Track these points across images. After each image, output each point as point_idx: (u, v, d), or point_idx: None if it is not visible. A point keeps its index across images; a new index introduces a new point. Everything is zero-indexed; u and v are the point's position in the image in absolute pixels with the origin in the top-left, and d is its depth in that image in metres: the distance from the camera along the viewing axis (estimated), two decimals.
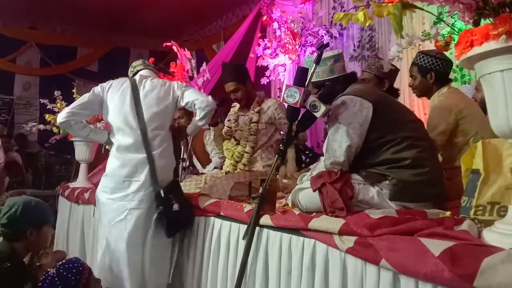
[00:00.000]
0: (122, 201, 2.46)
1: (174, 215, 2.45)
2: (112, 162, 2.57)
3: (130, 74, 2.82)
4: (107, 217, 2.51)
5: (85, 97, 2.65)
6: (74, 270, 2.03)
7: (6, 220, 2.06)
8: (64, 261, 2.11)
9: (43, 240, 2.17)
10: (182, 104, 2.63)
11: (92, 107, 2.66)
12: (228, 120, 3.08)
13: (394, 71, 2.94)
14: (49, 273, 2.00)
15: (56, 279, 1.98)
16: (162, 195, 2.45)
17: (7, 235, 2.08)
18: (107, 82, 2.71)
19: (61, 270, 2.02)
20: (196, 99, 2.58)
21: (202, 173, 3.57)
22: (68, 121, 2.58)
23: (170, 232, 2.50)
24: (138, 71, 2.78)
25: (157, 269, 2.49)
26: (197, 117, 2.64)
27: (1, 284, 1.89)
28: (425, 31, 2.16)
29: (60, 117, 2.59)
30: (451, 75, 2.50)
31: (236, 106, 3.11)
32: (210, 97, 2.63)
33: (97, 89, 2.67)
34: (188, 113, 3.53)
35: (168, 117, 2.66)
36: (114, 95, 2.62)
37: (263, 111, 2.91)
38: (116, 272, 2.43)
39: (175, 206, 2.44)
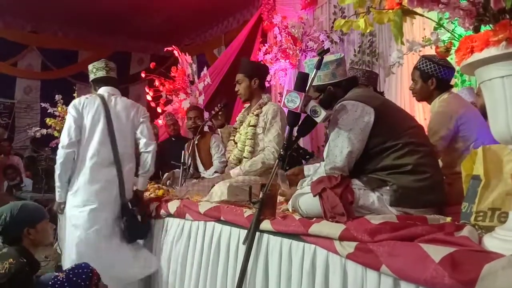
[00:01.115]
0: (95, 211, 2.70)
1: (137, 224, 2.83)
2: (84, 178, 2.74)
3: (90, 75, 3.02)
4: (83, 227, 2.68)
5: (71, 126, 2.78)
6: (83, 276, 2.04)
7: (0, 228, 2.15)
8: (73, 266, 2.12)
9: (43, 235, 2.25)
10: (137, 130, 2.95)
11: (79, 131, 2.81)
12: (236, 122, 3.08)
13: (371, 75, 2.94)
14: (59, 277, 2.01)
15: (66, 283, 1.99)
16: (130, 207, 2.80)
17: (8, 241, 2.16)
18: (78, 101, 2.86)
19: (70, 275, 2.03)
20: (143, 138, 2.94)
21: (203, 177, 3.57)
22: (70, 155, 2.75)
23: (132, 239, 2.82)
24: (100, 78, 2.99)
25: (124, 269, 2.73)
26: (140, 171, 2.95)
27: (22, 277, 1.98)
28: (425, 37, 2.16)
29: (62, 156, 2.73)
30: (452, 81, 2.50)
31: (246, 106, 3.10)
32: (154, 143, 3.00)
33: (73, 113, 2.81)
34: (201, 111, 3.55)
35: (134, 136, 2.95)
36: (89, 114, 2.82)
37: (261, 115, 2.86)
38: None
39: (138, 217, 2.85)
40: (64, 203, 2.80)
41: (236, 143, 2.93)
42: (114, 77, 3.06)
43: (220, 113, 3.06)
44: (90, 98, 2.89)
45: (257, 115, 2.85)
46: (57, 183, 2.79)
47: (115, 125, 2.82)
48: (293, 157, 3.22)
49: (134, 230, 2.80)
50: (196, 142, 4.01)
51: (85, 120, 2.80)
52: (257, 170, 2.74)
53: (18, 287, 1.96)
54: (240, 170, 2.74)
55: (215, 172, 3.64)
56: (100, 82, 2.99)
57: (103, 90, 2.95)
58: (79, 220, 2.70)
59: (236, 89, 2.96)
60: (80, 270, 2.07)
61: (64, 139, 2.76)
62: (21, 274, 1.99)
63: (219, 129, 3.14)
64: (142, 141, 2.94)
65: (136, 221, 2.84)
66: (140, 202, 2.95)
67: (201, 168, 3.97)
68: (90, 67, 3.04)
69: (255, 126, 2.83)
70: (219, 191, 2.52)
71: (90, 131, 2.79)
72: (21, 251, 2.12)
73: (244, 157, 2.84)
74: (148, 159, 2.94)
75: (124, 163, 2.82)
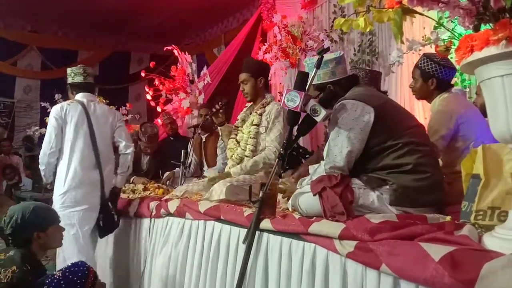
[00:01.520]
0: (87, 211, 2.92)
1: (113, 221, 3.05)
2: (73, 181, 2.91)
3: (68, 79, 3.19)
4: (79, 224, 2.88)
5: (52, 135, 2.95)
6: (79, 274, 2.04)
7: (10, 230, 2.14)
8: (70, 264, 2.12)
9: (53, 240, 2.25)
10: (115, 134, 3.17)
11: (60, 139, 2.98)
12: (237, 120, 3.07)
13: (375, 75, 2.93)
14: (55, 276, 2.01)
15: (62, 282, 1.99)
16: (110, 206, 3.03)
17: (17, 243, 2.15)
18: (60, 107, 3.00)
19: (67, 273, 2.03)
20: (122, 141, 3.18)
21: (204, 176, 3.58)
22: (52, 162, 2.95)
23: (105, 234, 3.08)
24: (78, 84, 3.14)
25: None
26: (119, 170, 3.20)
27: (24, 285, 1.97)
28: (425, 36, 2.16)
29: (44, 164, 2.97)
30: (452, 80, 2.50)
31: (248, 105, 3.10)
32: (132, 145, 3.25)
33: (55, 121, 2.96)
34: (210, 107, 3.59)
35: (111, 140, 3.18)
36: (72, 120, 2.98)
37: (264, 114, 2.85)
38: None
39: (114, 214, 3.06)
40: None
41: (238, 142, 2.92)
42: (91, 83, 3.22)
43: (221, 111, 3.05)
44: (72, 104, 3.05)
45: (260, 115, 2.85)
46: (45, 181, 3.10)
47: (96, 130, 3.02)
48: (293, 156, 3.22)
49: (109, 227, 3.05)
50: (204, 140, 4.02)
51: (68, 126, 2.97)
52: (258, 169, 2.74)
53: None
54: (241, 170, 2.74)
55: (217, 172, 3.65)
56: (77, 87, 3.15)
57: (81, 96, 3.11)
58: (73, 219, 2.87)
59: (241, 88, 2.94)
60: (76, 268, 2.06)
61: (46, 149, 2.94)
62: (23, 283, 1.97)
63: (219, 127, 3.13)
64: (122, 144, 3.18)
65: (112, 218, 3.05)
66: (117, 198, 3.22)
67: (205, 166, 3.98)
68: (68, 70, 3.20)
69: (258, 125, 2.83)
70: (219, 190, 2.52)
71: (74, 136, 2.96)
72: (27, 256, 2.10)
73: (246, 156, 2.83)
74: (127, 160, 3.21)
75: (105, 165, 3.04)
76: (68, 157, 2.93)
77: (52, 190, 3.03)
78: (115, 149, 3.23)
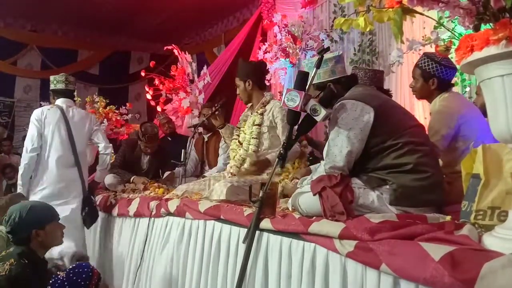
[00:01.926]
0: (65, 204, 3.20)
1: (96, 213, 3.40)
2: (51, 177, 3.26)
3: (51, 85, 3.53)
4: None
5: (34, 134, 3.28)
6: (83, 275, 2.05)
7: (9, 228, 2.20)
8: (74, 265, 2.13)
9: (52, 237, 2.30)
10: (92, 137, 3.56)
11: (40, 138, 3.31)
12: (239, 121, 3.07)
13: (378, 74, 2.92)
14: (59, 276, 2.01)
15: (66, 283, 2.00)
16: (93, 199, 3.42)
17: (16, 241, 2.20)
18: (40, 111, 3.37)
19: (71, 274, 2.04)
20: (101, 142, 3.57)
21: (204, 176, 3.58)
22: (33, 158, 3.24)
23: (91, 224, 3.38)
24: (60, 90, 3.50)
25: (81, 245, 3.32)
26: (99, 167, 3.64)
27: (22, 279, 2.01)
28: (425, 35, 2.16)
29: (26, 159, 3.22)
30: (453, 80, 2.49)
31: (249, 105, 3.10)
32: (111, 146, 3.64)
33: (36, 123, 3.31)
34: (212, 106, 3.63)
35: (88, 141, 3.59)
36: (50, 124, 3.33)
37: (266, 114, 2.84)
38: None
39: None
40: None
41: (241, 143, 2.92)
42: (72, 90, 3.60)
43: (217, 113, 3.04)
44: (52, 109, 3.40)
45: (261, 114, 2.84)
46: (20, 181, 3.27)
47: (74, 133, 3.38)
48: None
49: (93, 217, 3.38)
50: (206, 140, 4.02)
51: (47, 129, 3.32)
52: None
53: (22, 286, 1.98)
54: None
55: (217, 172, 3.64)
56: (59, 93, 3.52)
57: (61, 102, 3.47)
58: None
59: (237, 92, 2.96)
60: (80, 270, 2.07)
61: (28, 145, 3.26)
62: (21, 275, 2.00)
63: (220, 130, 3.13)
64: (101, 145, 3.58)
65: (95, 209, 3.41)
66: (95, 190, 3.76)
67: (207, 166, 3.98)
68: (51, 78, 3.55)
69: (259, 125, 2.82)
70: (219, 191, 2.52)
71: (52, 138, 3.32)
72: (26, 253, 2.13)
73: (248, 156, 2.83)
74: (107, 159, 3.61)
75: (83, 164, 3.41)
76: (46, 157, 3.28)
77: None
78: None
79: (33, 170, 3.26)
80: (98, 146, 3.58)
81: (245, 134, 2.89)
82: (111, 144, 3.66)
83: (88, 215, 3.32)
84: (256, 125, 2.82)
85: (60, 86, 3.50)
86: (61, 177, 3.26)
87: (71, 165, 3.32)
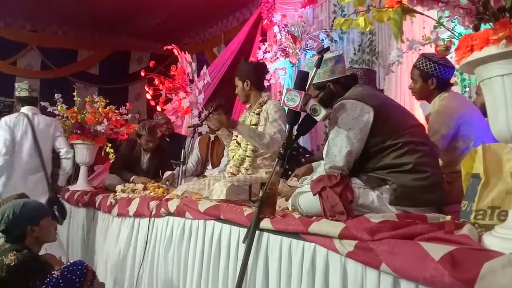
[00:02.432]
0: None
1: (65, 210, 3.64)
2: (19, 179, 3.60)
3: (15, 93, 3.88)
4: None
5: (6, 138, 3.60)
6: (78, 273, 2.05)
7: (4, 226, 2.23)
8: (68, 263, 2.13)
9: (46, 232, 2.36)
10: (55, 142, 3.89)
11: (11, 142, 3.63)
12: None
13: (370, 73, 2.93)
14: (53, 275, 2.02)
15: (60, 281, 2.00)
16: (59, 197, 3.79)
17: (11, 239, 2.24)
18: (9, 119, 3.70)
19: (65, 272, 2.04)
20: (63, 148, 3.91)
21: (204, 176, 3.57)
22: (7, 160, 3.56)
23: (62, 221, 3.59)
24: (24, 98, 3.84)
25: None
26: (61, 172, 3.97)
27: (30, 265, 2.08)
28: (425, 35, 2.16)
29: (1, 162, 3.53)
30: (452, 79, 2.49)
31: (247, 106, 3.10)
32: (72, 151, 4.00)
33: (6, 129, 3.62)
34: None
35: (51, 147, 3.89)
36: (19, 131, 3.67)
37: (262, 113, 2.85)
38: None
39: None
40: None
41: (239, 143, 2.92)
42: (35, 97, 3.93)
43: (210, 116, 3.05)
44: (18, 117, 3.73)
45: (258, 114, 2.85)
46: None
47: (39, 139, 3.71)
48: (293, 156, 3.23)
49: (64, 214, 3.60)
50: (212, 139, 4.02)
51: (15, 135, 3.64)
52: (270, 148, 2.71)
53: (29, 273, 2.06)
54: (249, 129, 2.71)
55: (218, 173, 3.64)
56: (23, 100, 3.84)
57: (26, 109, 3.79)
58: None
59: (236, 92, 2.99)
60: (74, 267, 2.07)
61: (1, 149, 3.56)
62: (23, 268, 2.08)
63: (217, 132, 3.13)
64: (63, 150, 3.90)
65: (63, 207, 3.64)
66: (58, 193, 4.05)
67: (209, 166, 3.98)
68: (16, 85, 3.90)
69: (256, 124, 2.83)
70: (219, 190, 2.52)
71: (19, 144, 3.65)
72: (20, 249, 2.15)
73: (248, 156, 2.84)
74: (68, 163, 3.95)
75: (47, 167, 3.75)
76: (14, 162, 3.61)
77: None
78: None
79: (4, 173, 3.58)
80: (60, 151, 3.91)
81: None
82: (72, 150, 4.04)
83: (59, 212, 3.53)
84: (253, 125, 2.83)
85: (24, 93, 3.84)
86: (28, 180, 3.63)
87: (37, 169, 3.69)
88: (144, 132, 4.15)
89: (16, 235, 2.24)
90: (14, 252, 2.11)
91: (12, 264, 2.05)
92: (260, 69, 3.12)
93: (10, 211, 2.25)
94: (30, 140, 3.68)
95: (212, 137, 4.04)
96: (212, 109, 3.12)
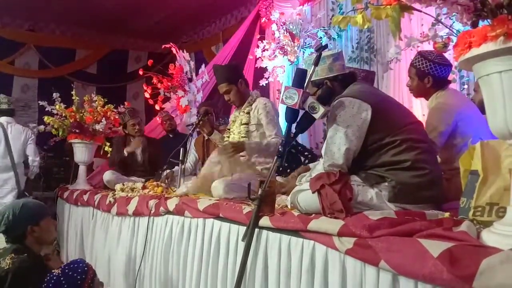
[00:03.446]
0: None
1: None
2: None
3: None
4: None
5: None
6: (79, 270, 2.06)
7: (4, 227, 2.23)
8: (69, 262, 2.14)
9: (46, 232, 2.35)
10: (26, 149, 4.67)
11: None
12: (229, 123, 3.08)
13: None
14: (54, 273, 2.02)
15: (62, 278, 2.01)
16: (27, 194, 4.42)
17: (12, 239, 2.24)
18: None
19: (66, 270, 2.05)
20: (30, 155, 4.69)
21: None
22: None
23: None
24: (3, 110, 4.56)
25: None
26: (29, 174, 4.75)
27: (24, 271, 2.06)
28: (423, 32, 2.16)
29: None
30: (450, 77, 2.50)
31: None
32: (38, 158, 4.79)
33: None
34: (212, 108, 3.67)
35: (24, 152, 4.67)
36: None
37: (252, 112, 2.85)
38: None
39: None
40: None
41: None
42: (13, 109, 4.71)
43: (201, 123, 3.05)
44: None
45: (248, 113, 2.85)
46: None
47: (12, 145, 4.48)
48: (292, 154, 3.23)
49: None
50: (207, 138, 4.02)
51: None
52: (271, 150, 2.72)
53: (22, 281, 2.02)
54: (256, 144, 2.71)
55: None
56: (2, 112, 4.56)
57: (3, 119, 4.55)
58: None
59: (226, 99, 2.94)
60: (75, 265, 2.08)
61: None
62: (23, 269, 2.05)
63: (209, 137, 3.14)
64: (30, 158, 4.68)
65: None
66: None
67: None
68: None
69: (247, 124, 2.83)
70: (217, 188, 2.52)
71: None
72: (21, 249, 2.15)
73: (241, 156, 2.83)
74: (34, 169, 4.75)
75: (18, 168, 4.50)
76: None
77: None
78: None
79: None
80: (28, 158, 4.65)
81: (234, 134, 2.90)
82: (38, 158, 4.78)
83: None
84: (243, 124, 2.83)
85: (4, 106, 4.58)
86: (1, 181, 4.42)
87: (8, 169, 4.43)
88: (127, 117, 4.19)
89: (17, 236, 2.23)
90: (12, 256, 2.09)
91: (6, 268, 2.02)
92: (240, 67, 3.13)
93: (10, 211, 2.24)
94: (4, 145, 4.44)
95: (206, 136, 4.05)
96: (200, 117, 3.12)
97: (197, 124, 3.08)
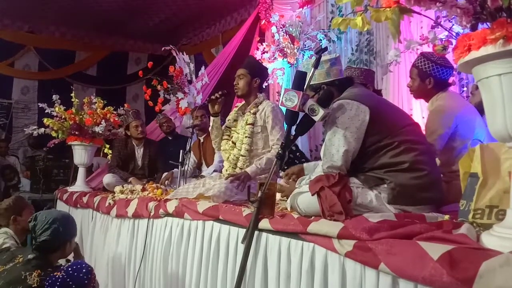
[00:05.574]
0: None
1: None
2: None
3: None
4: None
5: None
6: (84, 270, 2.07)
7: (51, 236, 2.15)
8: (69, 264, 2.14)
9: (70, 250, 2.37)
10: None
11: None
12: (228, 120, 3.06)
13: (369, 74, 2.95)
14: (57, 276, 2.01)
15: (68, 279, 2.00)
16: None
17: (48, 249, 2.17)
18: None
19: (70, 271, 2.04)
20: None
21: (202, 176, 3.57)
22: None
23: None
24: None
25: None
26: None
27: None
28: (423, 35, 2.17)
29: None
30: (450, 79, 2.50)
31: (238, 105, 3.09)
32: None
33: None
34: (207, 110, 3.64)
35: None
36: None
37: (258, 113, 2.84)
38: None
39: None
40: None
41: (234, 143, 2.91)
42: None
43: (219, 100, 2.95)
44: None
45: (254, 114, 2.84)
46: None
47: None
48: (289, 158, 3.22)
49: None
50: (202, 141, 4.02)
51: None
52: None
53: None
54: (257, 168, 2.71)
55: (214, 171, 3.64)
56: None
57: None
58: None
59: (235, 82, 2.94)
60: (79, 266, 2.08)
61: None
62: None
63: (212, 117, 3.04)
64: None
65: None
66: None
67: (205, 167, 3.98)
68: None
69: (252, 124, 2.82)
70: (217, 191, 2.52)
71: None
72: (44, 266, 2.11)
73: (242, 155, 2.82)
74: None
75: None
76: None
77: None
78: None
79: None
80: None
81: (238, 134, 2.89)
82: None
83: None
84: (249, 124, 2.82)
85: None
86: None
87: None
88: (131, 118, 4.17)
89: (53, 247, 2.17)
90: (39, 272, 2.01)
91: (33, 286, 1.96)
92: (267, 73, 3.17)
93: (61, 221, 2.18)
94: None
95: (201, 139, 4.05)
96: (221, 94, 3.02)
97: (216, 98, 2.98)
